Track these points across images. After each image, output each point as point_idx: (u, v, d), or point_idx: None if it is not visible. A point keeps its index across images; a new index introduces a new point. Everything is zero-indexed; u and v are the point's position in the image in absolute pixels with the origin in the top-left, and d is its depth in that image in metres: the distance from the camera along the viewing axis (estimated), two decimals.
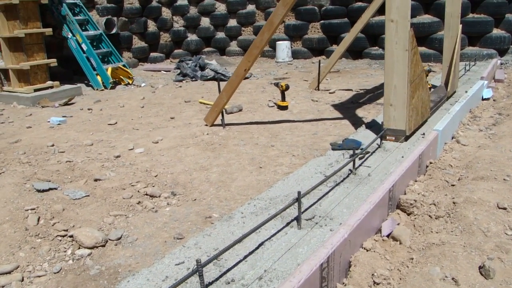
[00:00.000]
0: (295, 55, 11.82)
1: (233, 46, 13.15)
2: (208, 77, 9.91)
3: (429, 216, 3.11)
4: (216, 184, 3.90)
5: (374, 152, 3.84)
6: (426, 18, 10.01)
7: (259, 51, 4.94)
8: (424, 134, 4.28)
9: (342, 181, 3.25)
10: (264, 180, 3.85)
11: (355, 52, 11.03)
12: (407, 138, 4.12)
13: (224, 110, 6.37)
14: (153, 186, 4.00)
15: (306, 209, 2.82)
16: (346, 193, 3.04)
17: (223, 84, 8.43)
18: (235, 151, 4.69)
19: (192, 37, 13.42)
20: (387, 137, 4.12)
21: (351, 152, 3.59)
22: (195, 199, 3.68)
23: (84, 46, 9.79)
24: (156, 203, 3.70)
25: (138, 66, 12.40)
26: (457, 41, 6.17)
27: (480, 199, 3.14)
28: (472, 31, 9.82)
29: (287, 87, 6.11)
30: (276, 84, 6.29)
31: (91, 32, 10.28)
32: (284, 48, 11.48)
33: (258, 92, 7.73)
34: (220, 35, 13.28)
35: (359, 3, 10.85)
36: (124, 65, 10.30)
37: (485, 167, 3.76)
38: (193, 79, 10.07)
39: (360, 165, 3.53)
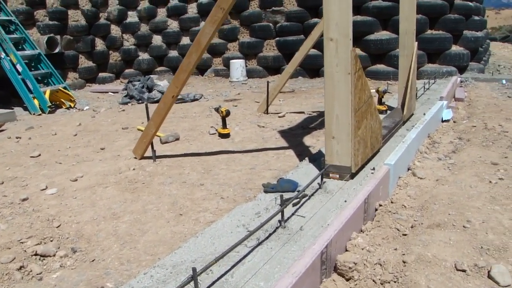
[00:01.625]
0: (250, 74, 11.26)
1: None
2: (155, 99, 9.21)
3: (373, 281, 2.50)
4: (123, 238, 3.20)
5: (313, 194, 3.22)
6: (384, 34, 9.64)
7: (187, 75, 4.30)
8: (374, 169, 3.71)
9: (266, 238, 2.61)
10: (180, 233, 3.17)
11: (311, 70, 10.55)
12: (353, 175, 3.52)
13: (159, 139, 5.70)
14: (51, 241, 3.28)
15: (212, 284, 2.16)
16: (268, 257, 2.39)
17: (175, 105, 7.78)
18: (158, 192, 4.01)
19: (143, 56, 12.72)
20: (331, 175, 3.52)
21: (285, 196, 2.96)
22: (93, 260, 2.97)
23: (19, 67, 8.98)
24: (46, 266, 2.98)
25: (85, 87, 11.61)
26: (413, 60, 5.69)
27: (435, 257, 2.55)
28: (430, 48, 9.48)
29: (228, 113, 5.48)
30: (217, 109, 5.66)
31: (28, 52, 9.47)
32: (238, 67, 10.90)
33: (203, 116, 7.09)
34: (173, 53, 12.62)
35: (315, 19, 10.41)
36: (65, 87, 9.52)
37: (442, 210, 3.19)
38: (140, 101, 9.36)
39: (293, 214, 2.90)
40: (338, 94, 3.35)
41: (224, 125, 5.59)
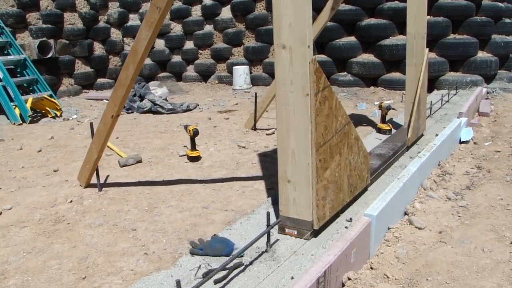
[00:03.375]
0: (255, 81, 10.35)
1: (190, 70, 11.70)
2: (145, 109, 8.42)
3: None
4: None
5: (253, 262, 2.30)
6: (400, 39, 8.58)
7: (125, 90, 3.45)
8: (351, 220, 2.76)
9: None
10: None
11: None
12: (317, 232, 2.58)
13: (118, 161, 4.88)
14: None
15: None
16: None
17: (162, 116, 6.95)
18: (77, 239, 3.16)
19: (145, 61, 11.96)
20: (287, 230, 2.59)
21: (211, 265, 2.08)
22: None
23: (0, 73, 8.34)
24: None
25: (81, 94, 10.94)
26: (423, 70, 4.70)
27: None
28: (453, 54, 8.37)
29: (195, 133, 4.60)
30: (185, 128, 4.79)
31: (12, 57, 8.83)
32: (241, 73, 10.02)
33: (184, 132, 6.23)
34: (176, 58, 11.84)
35: (328, 22, 9.40)
36: (51, 95, 8.83)
37: None
38: (129, 111, 8.60)
39: None
40: (294, 123, 2.42)
41: (193, 147, 4.72)
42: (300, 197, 2.49)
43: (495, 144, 5.07)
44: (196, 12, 11.49)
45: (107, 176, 4.56)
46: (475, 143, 5.37)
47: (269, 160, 4.69)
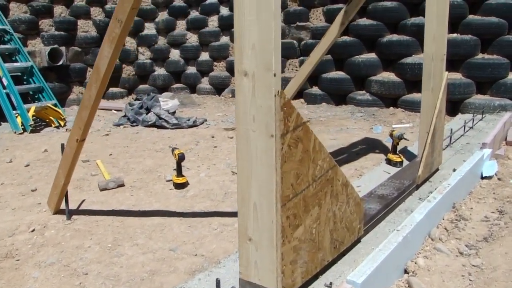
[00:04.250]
0: None
1: (204, 83, 11.33)
2: (149, 122, 8.06)
3: None
4: None
5: None
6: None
7: (89, 112, 3.04)
8: (331, 285, 2.24)
9: None
10: None
11: (338, 96, 9.02)
12: None
13: (97, 184, 4.48)
14: None
15: None
16: None
17: (166, 131, 6.63)
18: (17, 282, 2.77)
19: (159, 71, 11.68)
20: None
21: None
22: None
23: (4, 80, 8.13)
24: None
25: None
26: (440, 96, 4.16)
27: None
28: (481, 76, 7.72)
29: (181, 158, 4.16)
30: (172, 151, 4.36)
31: (18, 64, 8.64)
32: None
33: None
34: (191, 70, 11.50)
35: (345, 37, 8.91)
36: (55, 104, 8.59)
37: None
38: (134, 124, 8.25)
39: None
40: (256, 170, 1.94)
41: (179, 172, 4.27)
42: (263, 260, 2.00)
43: None
44: (213, 23, 11.14)
45: (82, 201, 4.16)
46: (499, 179, 4.75)
47: None
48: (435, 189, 3.67)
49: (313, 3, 9.41)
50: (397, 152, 4.43)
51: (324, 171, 2.18)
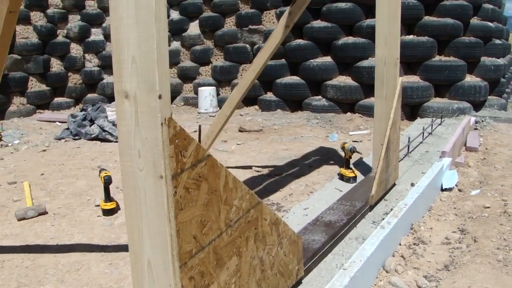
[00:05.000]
0: (223, 104, 9.39)
1: None
2: (92, 135, 7.45)
3: None
4: None
5: None
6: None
7: None
8: None
9: None
10: None
11: (293, 102, 8.64)
12: None
13: (15, 214, 3.90)
14: None
15: None
16: None
17: (110, 145, 6.01)
18: None
19: (109, 79, 11.03)
20: None
21: None
22: None
23: None
24: None
25: (34, 115, 9.94)
26: (394, 105, 3.79)
27: None
28: (439, 78, 7.51)
29: (108, 181, 3.64)
30: (99, 172, 3.83)
31: None
32: (207, 95, 9.08)
33: (118, 170, 5.26)
34: None
35: (299, 40, 8.54)
36: None
37: None
38: (76, 137, 7.61)
39: None
40: (147, 219, 1.47)
41: (107, 197, 3.75)
42: None
43: (483, 195, 4.14)
44: None
45: None
46: (460, 190, 4.45)
47: None
48: (391, 209, 3.29)
49: (265, 6, 9.02)
50: (350, 166, 4.03)
51: (243, 212, 1.73)
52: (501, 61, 7.99)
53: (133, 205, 1.51)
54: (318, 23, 8.34)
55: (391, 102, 3.80)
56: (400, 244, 3.14)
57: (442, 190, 4.42)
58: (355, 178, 3.97)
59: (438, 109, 7.27)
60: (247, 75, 4.45)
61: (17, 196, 4.56)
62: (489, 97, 7.74)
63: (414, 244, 3.16)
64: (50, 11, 10.30)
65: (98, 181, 4.89)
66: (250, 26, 9.12)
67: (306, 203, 3.51)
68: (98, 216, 3.86)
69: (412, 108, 7.60)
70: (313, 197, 3.66)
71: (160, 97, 1.34)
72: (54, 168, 5.71)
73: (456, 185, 4.51)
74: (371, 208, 3.32)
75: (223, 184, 1.60)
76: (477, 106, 7.53)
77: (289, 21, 4.11)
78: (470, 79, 7.63)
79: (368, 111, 7.68)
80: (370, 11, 8.01)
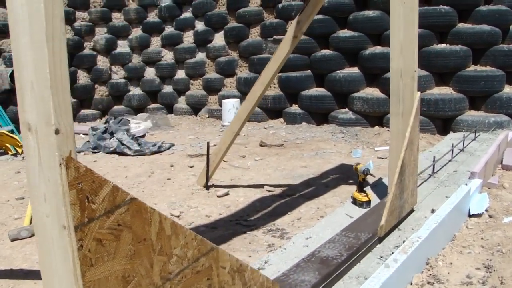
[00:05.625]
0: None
1: (181, 102, 10.66)
2: (111, 149, 7.36)
3: None
4: None
5: None
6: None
7: None
8: None
9: None
10: None
11: (319, 115, 8.29)
12: None
13: (8, 234, 3.76)
14: None
15: None
16: None
17: (126, 159, 5.80)
18: None
19: (135, 90, 11.03)
20: None
21: None
22: None
23: None
24: None
25: None
26: (411, 123, 3.42)
27: None
28: (474, 90, 7.00)
29: None
30: None
31: None
32: (230, 108, 8.86)
33: (129, 185, 5.10)
34: (167, 88, 10.85)
35: (325, 50, 8.22)
36: (11, 130, 7.92)
37: None
38: (96, 150, 7.55)
39: None
40: (57, 274, 1.20)
41: None
42: None
43: None
44: (188, 38, 10.50)
45: None
46: (490, 216, 3.98)
47: None
48: (403, 241, 2.92)
49: (290, 15, 8.74)
50: (364, 190, 3.67)
51: (188, 261, 1.44)
52: None
53: (45, 255, 1.25)
54: (344, 33, 7.99)
55: (407, 120, 3.43)
56: (411, 283, 2.75)
57: (470, 216, 3.98)
58: (368, 203, 3.61)
59: (473, 122, 6.75)
60: (256, 88, 4.19)
61: (18, 214, 4.45)
62: None
63: (428, 283, 2.77)
64: (77, 24, 10.41)
65: None
66: (275, 37, 8.86)
67: (310, 231, 3.19)
68: None
69: (444, 122, 7.11)
70: (319, 224, 3.33)
71: (57, 132, 1.07)
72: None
73: (486, 210, 4.05)
74: (381, 240, 2.96)
75: (155, 231, 1.32)
76: None
77: (297, 31, 3.84)
78: (509, 90, 7.07)
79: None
80: None
